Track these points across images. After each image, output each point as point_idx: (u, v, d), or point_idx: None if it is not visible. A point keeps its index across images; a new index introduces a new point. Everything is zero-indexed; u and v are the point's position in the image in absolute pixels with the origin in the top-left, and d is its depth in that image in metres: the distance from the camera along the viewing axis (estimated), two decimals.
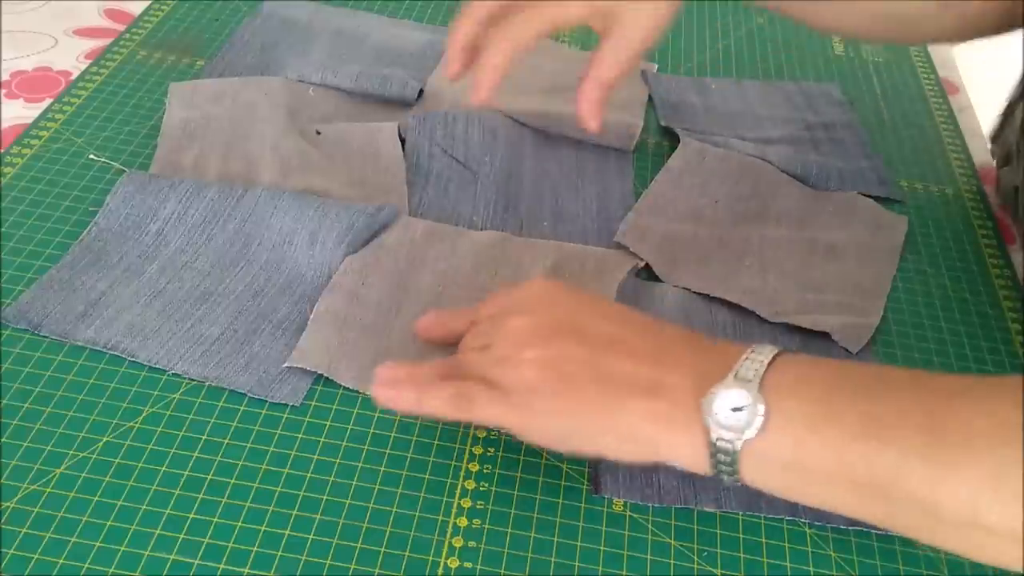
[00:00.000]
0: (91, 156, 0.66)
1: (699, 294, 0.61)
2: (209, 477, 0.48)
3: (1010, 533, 0.37)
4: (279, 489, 0.48)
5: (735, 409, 0.41)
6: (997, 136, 0.76)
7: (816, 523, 0.49)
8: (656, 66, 0.84)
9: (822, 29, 0.69)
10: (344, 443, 0.50)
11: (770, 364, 0.42)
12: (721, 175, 0.69)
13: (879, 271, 0.65)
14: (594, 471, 0.50)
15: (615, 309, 0.48)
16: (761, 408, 0.40)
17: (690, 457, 0.43)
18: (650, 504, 0.49)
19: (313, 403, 0.52)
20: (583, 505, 0.49)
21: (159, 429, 0.50)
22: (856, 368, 0.43)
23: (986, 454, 0.38)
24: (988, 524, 0.38)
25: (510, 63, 0.55)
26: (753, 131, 0.77)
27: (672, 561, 0.47)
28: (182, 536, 0.46)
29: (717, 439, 0.41)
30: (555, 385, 0.44)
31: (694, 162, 0.70)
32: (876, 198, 0.71)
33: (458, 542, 0.47)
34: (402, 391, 0.47)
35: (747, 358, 0.43)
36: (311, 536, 0.46)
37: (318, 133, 0.70)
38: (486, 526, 0.48)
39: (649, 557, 0.47)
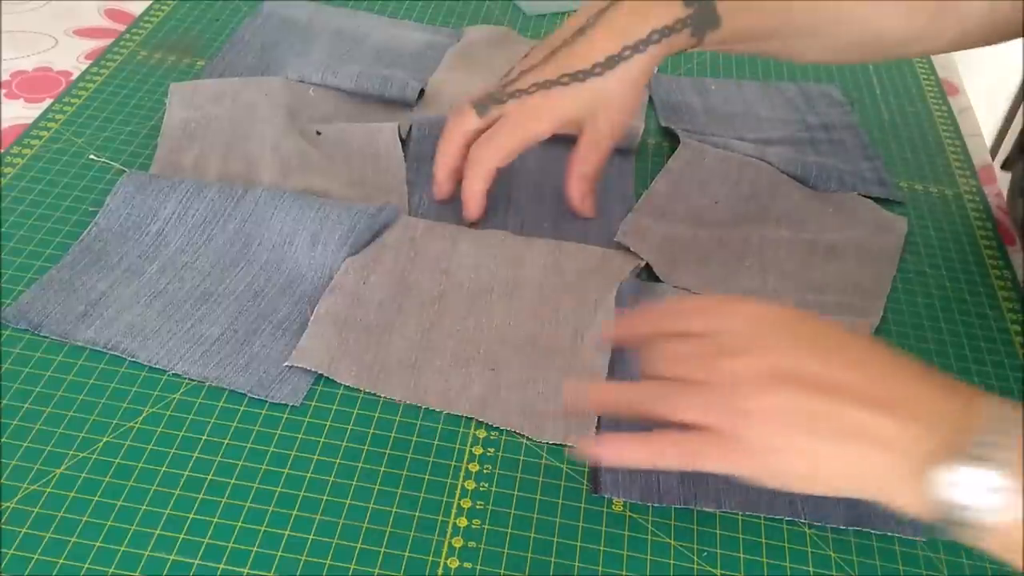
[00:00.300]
0: (91, 156, 0.66)
1: (699, 295, 0.61)
2: (209, 477, 0.48)
3: None
4: (279, 489, 0.48)
5: (991, 489, 0.39)
6: (1010, 164, 0.75)
7: (816, 523, 0.49)
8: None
9: (808, 62, 0.70)
10: (344, 443, 0.51)
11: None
12: (721, 176, 0.69)
13: (879, 272, 0.65)
14: (594, 470, 0.50)
15: (845, 345, 0.44)
16: (1013, 496, 0.39)
17: (925, 514, 0.41)
18: (650, 504, 0.49)
19: (313, 403, 0.52)
20: (583, 505, 0.49)
21: (159, 429, 0.50)
22: None
23: None
24: None
25: (488, 183, 0.63)
26: (753, 132, 0.77)
27: (672, 561, 0.47)
28: (182, 536, 0.46)
29: (952, 511, 0.40)
30: (789, 439, 0.42)
31: (694, 163, 0.70)
32: (876, 199, 0.71)
33: (458, 542, 0.47)
34: (628, 452, 0.45)
35: (991, 428, 0.40)
36: (311, 536, 0.46)
37: (318, 133, 0.70)
38: (486, 526, 0.48)
39: (649, 557, 0.47)
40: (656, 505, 0.49)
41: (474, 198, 0.63)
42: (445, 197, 0.65)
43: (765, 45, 0.66)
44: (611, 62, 0.60)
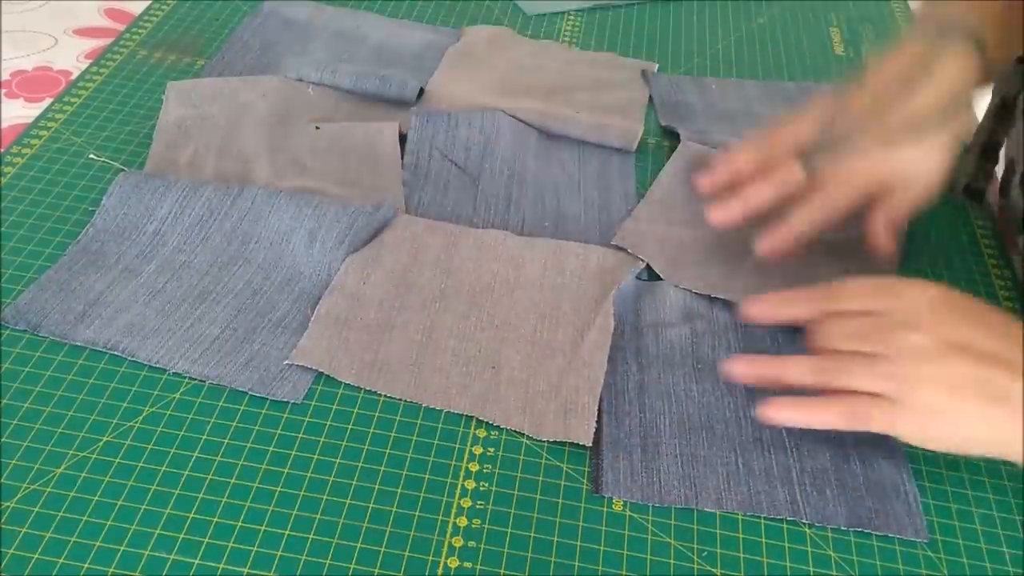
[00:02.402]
0: (91, 156, 0.66)
1: (701, 295, 0.61)
2: (209, 477, 0.48)
3: None
4: (279, 489, 0.48)
5: None
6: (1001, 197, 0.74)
7: (816, 523, 0.49)
8: (657, 65, 0.84)
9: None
10: (344, 443, 0.50)
11: None
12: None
13: (879, 265, 0.65)
14: (595, 470, 0.50)
15: (998, 322, 0.50)
16: None
17: None
18: (650, 504, 0.49)
19: (313, 403, 0.52)
20: (583, 505, 0.49)
21: (159, 429, 0.50)
22: None
23: None
24: None
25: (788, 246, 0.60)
26: (751, 130, 0.77)
27: (672, 561, 0.47)
28: (182, 536, 0.46)
29: None
30: (952, 403, 0.48)
31: (689, 166, 0.70)
32: None
33: (458, 542, 0.47)
34: (789, 411, 0.50)
35: None
36: (311, 536, 0.46)
37: (317, 128, 0.70)
38: (486, 526, 0.48)
39: (649, 557, 0.47)
40: (656, 505, 0.49)
41: (793, 234, 0.60)
42: (727, 218, 0.61)
43: None
44: (946, 114, 0.58)
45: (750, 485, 0.50)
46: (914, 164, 0.59)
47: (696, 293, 0.61)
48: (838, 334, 0.51)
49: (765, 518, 0.49)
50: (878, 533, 0.49)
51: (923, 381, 0.48)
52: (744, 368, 0.52)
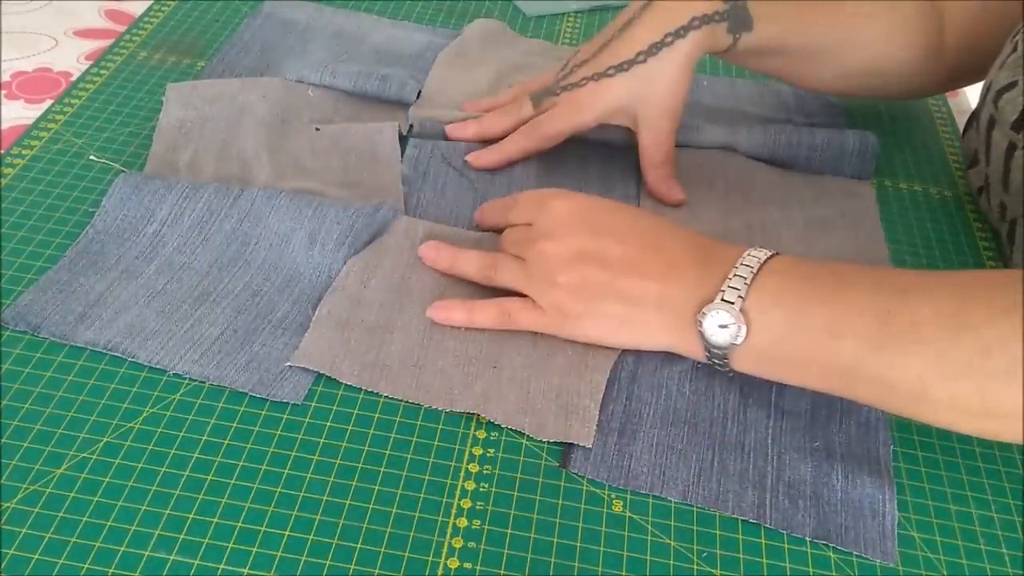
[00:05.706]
0: (91, 157, 0.66)
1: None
2: (209, 477, 0.48)
3: (955, 404, 0.46)
4: (279, 489, 0.48)
5: (722, 326, 0.50)
6: (963, 135, 0.76)
7: (780, 530, 0.49)
8: None
9: (809, 87, 0.75)
10: (344, 443, 0.51)
11: (755, 276, 0.51)
12: (697, 176, 0.70)
13: (870, 236, 0.67)
14: (566, 447, 0.51)
15: (630, 227, 0.55)
16: (742, 329, 0.50)
17: (694, 354, 0.54)
18: (617, 485, 0.50)
19: (313, 404, 0.52)
20: (583, 506, 0.49)
21: (159, 430, 0.50)
22: (827, 272, 0.51)
23: (929, 340, 0.46)
24: (936, 398, 0.46)
25: (520, 159, 0.69)
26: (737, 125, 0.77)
27: (672, 562, 0.47)
28: (182, 536, 0.46)
29: (710, 347, 0.51)
30: (581, 305, 0.54)
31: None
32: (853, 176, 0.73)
33: (458, 543, 0.47)
34: (453, 312, 0.56)
35: (735, 275, 0.51)
36: (311, 536, 0.46)
37: (317, 130, 0.70)
38: (486, 526, 0.48)
39: (649, 557, 0.47)
40: (622, 487, 0.49)
41: (504, 157, 0.68)
42: (485, 165, 0.68)
43: (779, 61, 0.70)
44: (654, 49, 0.64)
45: (720, 483, 0.50)
46: (625, 90, 0.65)
47: None
48: (508, 241, 0.57)
49: None
50: (843, 549, 0.48)
51: (558, 286, 0.53)
52: (432, 252, 0.59)
